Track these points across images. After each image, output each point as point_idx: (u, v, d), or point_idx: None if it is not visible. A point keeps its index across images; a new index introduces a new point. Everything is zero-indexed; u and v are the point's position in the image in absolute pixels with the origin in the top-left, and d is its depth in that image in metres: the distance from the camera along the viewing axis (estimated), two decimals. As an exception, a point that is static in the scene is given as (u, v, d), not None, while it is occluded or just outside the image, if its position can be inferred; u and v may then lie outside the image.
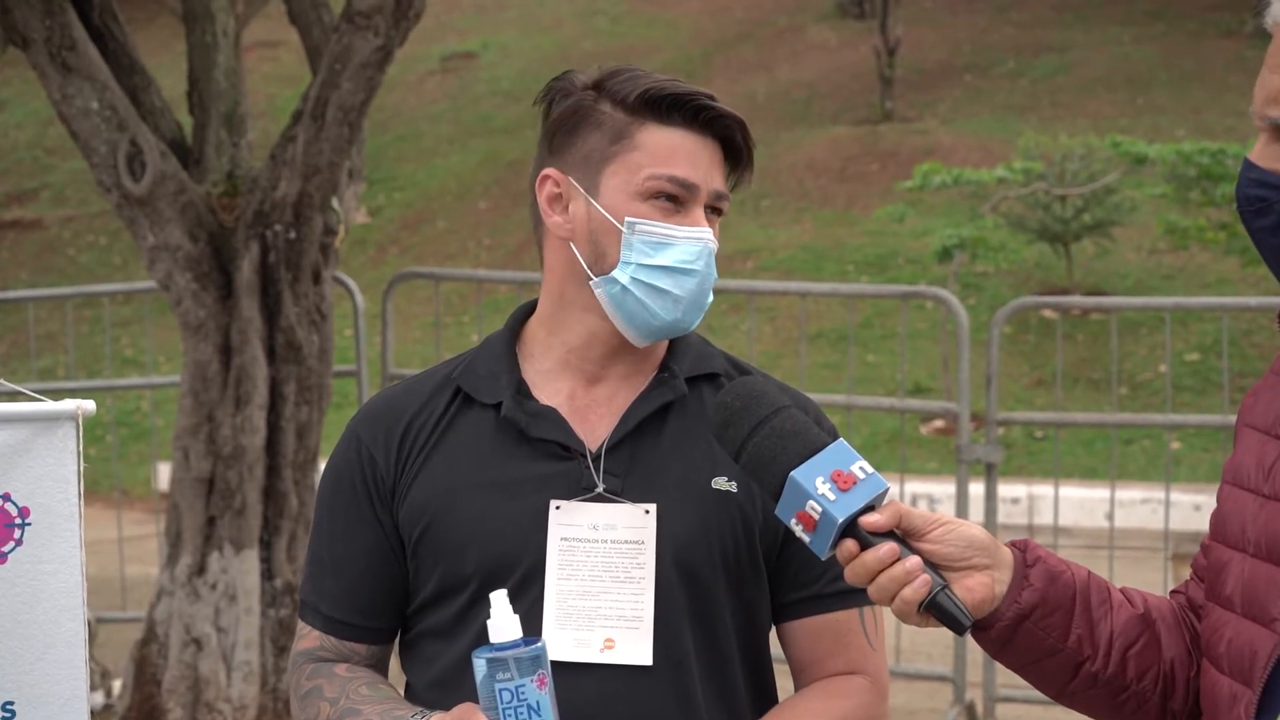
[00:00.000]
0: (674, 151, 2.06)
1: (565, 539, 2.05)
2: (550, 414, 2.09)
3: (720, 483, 2.08)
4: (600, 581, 2.04)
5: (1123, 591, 1.92)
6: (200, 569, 5.74)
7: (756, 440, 1.84)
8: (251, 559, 5.73)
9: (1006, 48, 18.90)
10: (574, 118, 2.09)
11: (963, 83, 18.22)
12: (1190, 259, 13.37)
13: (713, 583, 2.07)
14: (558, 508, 2.05)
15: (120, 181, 5.56)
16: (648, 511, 2.05)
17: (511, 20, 22.33)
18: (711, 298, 2.10)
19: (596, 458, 2.07)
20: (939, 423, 11.06)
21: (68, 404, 2.01)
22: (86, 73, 5.46)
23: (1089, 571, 1.90)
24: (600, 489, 2.06)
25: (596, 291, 2.07)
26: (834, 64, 19.20)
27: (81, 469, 1.96)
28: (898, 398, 7.57)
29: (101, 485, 9.40)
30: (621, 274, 2.05)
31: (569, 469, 2.07)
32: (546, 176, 2.11)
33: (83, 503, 1.97)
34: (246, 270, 5.68)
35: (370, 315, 8.30)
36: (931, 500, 9.10)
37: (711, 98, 2.09)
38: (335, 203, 5.87)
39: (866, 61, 18.07)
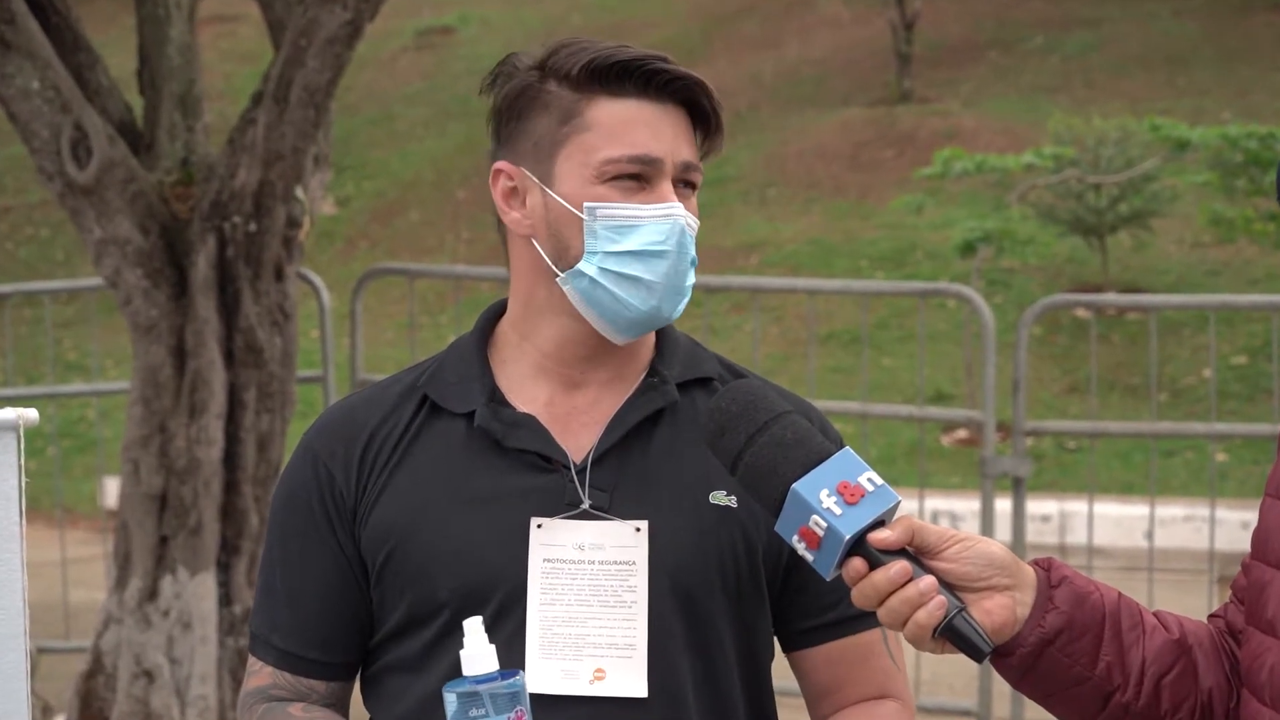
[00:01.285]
0: (630, 124, 2.04)
1: (548, 560, 2.03)
2: (529, 422, 2.08)
3: (718, 497, 2.07)
4: (588, 606, 2.03)
5: (1156, 615, 1.92)
6: (151, 594, 5.74)
7: (755, 449, 1.84)
8: (208, 583, 5.73)
9: (1035, 22, 18.93)
10: (519, 102, 2.08)
11: (987, 60, 18.25)
12: (1237, 253, 13.39)
13: (711, 607, 2.06)
14: (539, 526, 2.04)
15: (63, 169, 5.57)
16: (638, 529, 2.04)
17: (493, -8, 22.33)
18: (693, 279, 2.08)
19: (581, 470, 2.06)
20: (962, 433, 11.08)
21: (8, 413, 2.01)
22: (26, 49, 5.47)
23: (1119, 593, 1.90)
24: (586, 505, 2.05)
25: (565, 288, 2.06)
26: (846, 40, 19.23)
27: (23, 484, 1.96)
28: (916, 406, 7.58)
29: (42, 502, 9.40)
30: (588, 265, 2.04)
31: (551, 482, 2.06)
32: (499, 171, 2.10)
33: (24, 521, 1.97)
34: (202, 266, 5.69)
35: (338, 315, 8.30)
36: (954, 518, 9.11)
37: (665, 59, 2.05)
38: (299, 192, 5.88)
39: (882, 37, 18.10)
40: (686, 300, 2.08)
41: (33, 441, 2.00)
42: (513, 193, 2.10)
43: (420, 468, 2.08)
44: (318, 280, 6.67)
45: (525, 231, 2.09)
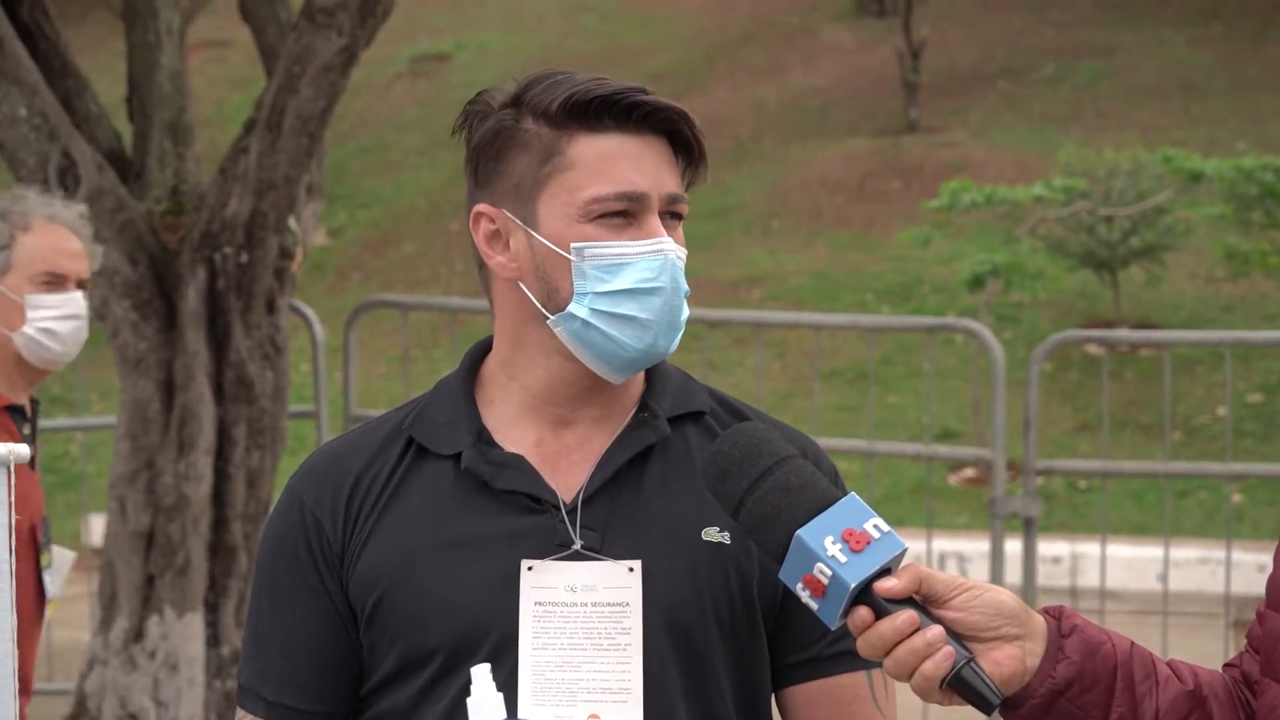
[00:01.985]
0: (613, 160, 2.04)
1: (540, 603, 2.04)
2: (517, 462, 2.08)
3: (711, 534, 2.07)
4: (581, 650, 2.03)
5: (1170, 665, 1.93)
6: (137, 634, 5.74)
7: (758, 495, 1.84)
8: (195, 623, 5.73)
9: (1045, 50, 18.99)
10: (496, 142, 2.08)
11: (996, 89, 18.30)
12: (1252, 288, 13.41)
13: (707, 647, 2.06)
14: (530, 568, 2.04)
15: (51, 198, 5.58)
16: (631, 569, 2.05)
17: (489, 18, 22.42)
18: (686, 314, 2.09)
19: (572, 510, 2.06)
20: (970, 472, 11.07)
21: (-1, 449, 2.02)
22: (14, 75, 5.49)
23: (1132, 642, 1.90)
24: (578, 545, 2.05)
25: (556, 330, 2.07)
26: (851, 68, 19.28)
27: (13, 522, 1.97)
28: (924, 444, 7.59)
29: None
30: (578, 308, 2.04)
31: (541, 523, 2.06)
32: (480, 214, 2.10)
33: (14, 559, 1.98)
34: (192, 298, 5.70)
35: (330, 348, 8.31)
36: (962, 559, 9.11)
37: (645, 91, 2.06)
38: (292, 222, 5.90)
39: (888, 65, 18.15)
40: (680, 334, 2.09)
41: (15, 477, 2.01)
42: (495, 235, 2.10)
43: (408, 512, 2.09)
44: (310, 313, 6.68)
45: (511, 275, 2.09)
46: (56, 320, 3.71)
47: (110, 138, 6.00)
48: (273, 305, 5.88)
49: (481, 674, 1.92)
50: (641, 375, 2.15)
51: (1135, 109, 17.10)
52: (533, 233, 2.06)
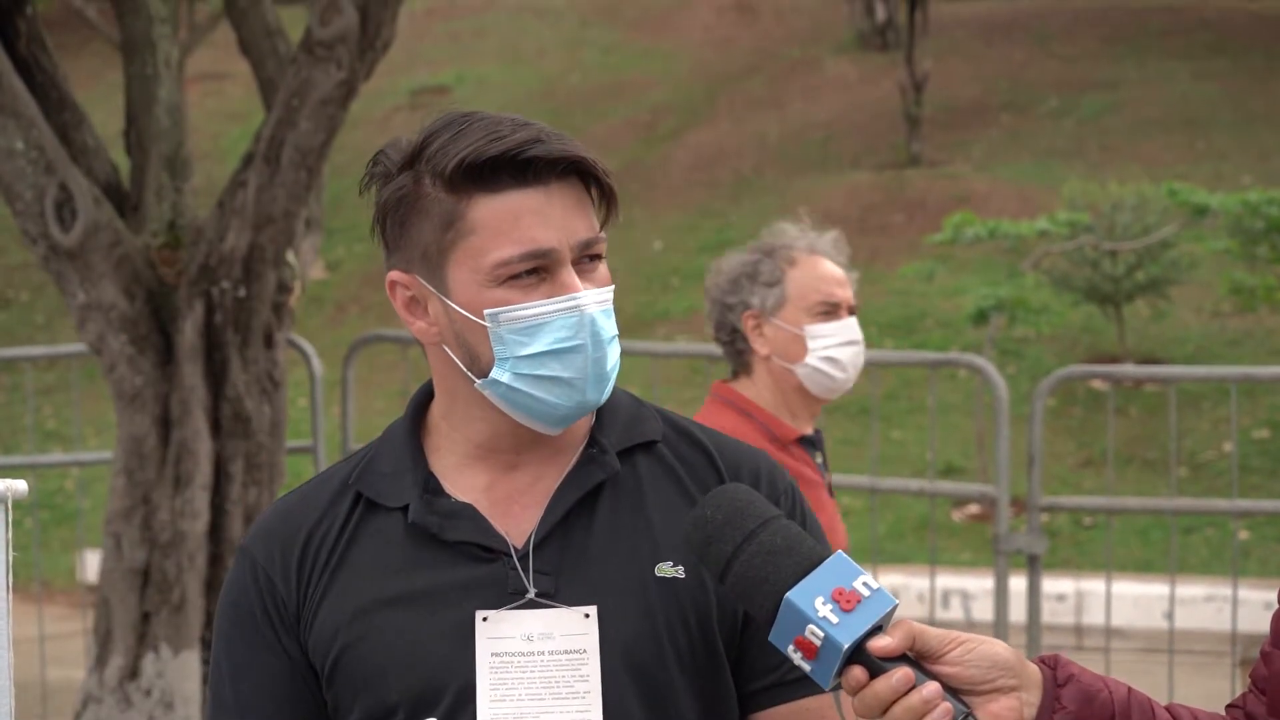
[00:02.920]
0: (515, 219, 2.00)
1: (496, 654, 2.03)
2: (466, 511, 2.07)
3: (665, 569, 2.06)
4: (540, 700, 2.02)
5: (1169, 709, 1.92)
6: (133, 672, 5.73)
7: (743, 558, 1.83)
8: (191, 661, 5.72)
9: (1049, 83, 19.04)
10: (399, 208, 2.04)
11: (999, 123, 18.34)
12: (1258, 322, 13.42)
13: (668, 684, 2.05)
14: (485, 619, 2.03)
15: (48, 231, 5.59)
16: (587, 615, 2.04)
17: (489, 50, 22.49)
18: (616, 358, 2.05)
19: (524, 556, 2.05)
20: (974, 508, 11.07)
21: (-4, 484, 2.01)
22: (11, 108, 5.51)
23: (1129, 688, 1.90)
24: (531, 593, 2.04)
25: (485, 393, 2.05)
26: (853, 101, 19.33)
27: (10, 559, 1.97)
28: (927, 479, 7.58)
29: (19, 576, 9.37)
30: (501, 373, 2.03)
31: (494, 572, 2.05)
32: (394, 282, 2.08)
33: (10, 597, 1.98)
34: (189, 332, 5.71)
35: (328, 383, 8.31)
36: (966, 596, 9.09)
37: (540, 139, 1.99)
38: (290, 256, 5.90)
39: (890, 98, 18.20)
40: (613, 382, 2.06)
41: (11, 513, 2.00)
42: (413, 301, 2.08)
43: (360, 568, 2.08)
44: (308, 347, 6.68)
45: (434, 340, 2.08)
46: (838, 348, 3.80)
47: (107, 171, 6.01)
48: (270, 339, 5.88)
49: None
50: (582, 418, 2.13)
51: (1140, 143, 17.13)
52: (446, 300, 2.04)
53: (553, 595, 2.04)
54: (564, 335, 2.01)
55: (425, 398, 2.17)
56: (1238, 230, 12.21)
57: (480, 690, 2.02)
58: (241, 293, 5.74)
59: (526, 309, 2.00)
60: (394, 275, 2.08)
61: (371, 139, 19.76)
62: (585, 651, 2.03)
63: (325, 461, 6.73)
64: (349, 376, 6.81)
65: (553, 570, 2.05)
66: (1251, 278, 12.38)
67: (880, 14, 20.96)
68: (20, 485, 1.96)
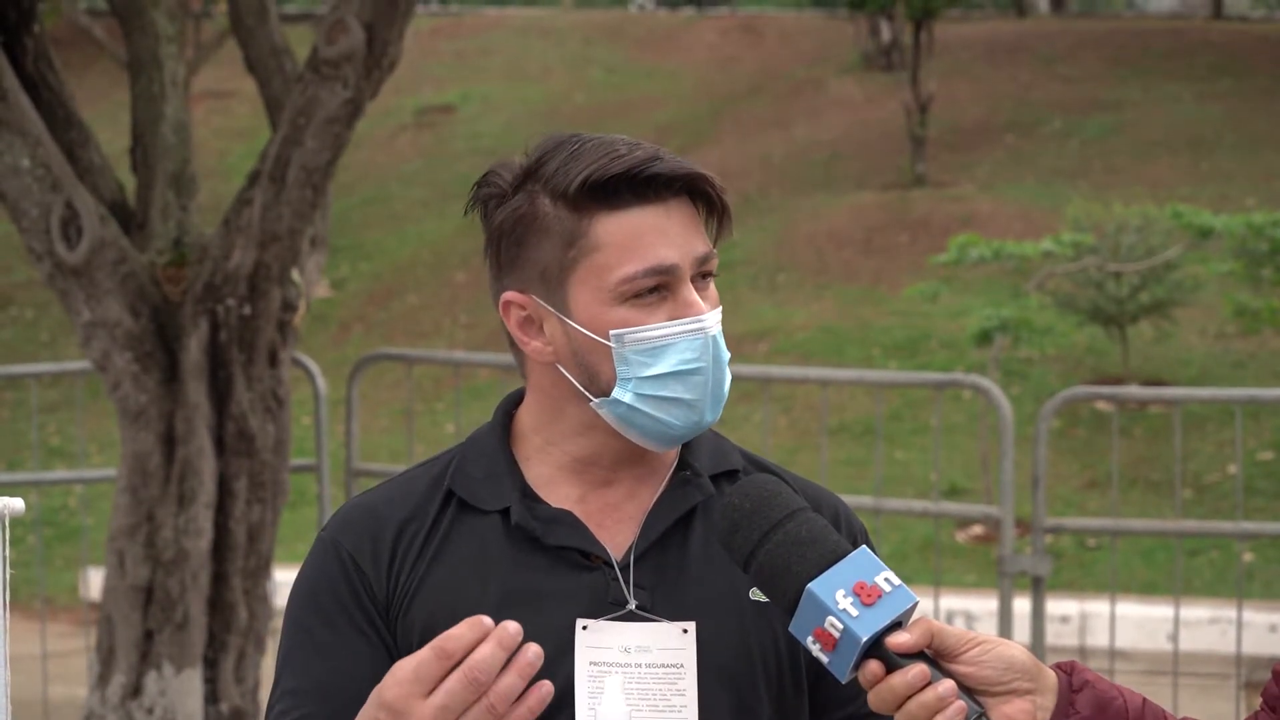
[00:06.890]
0: (639, 236, 2.02)
1: (594, 663, 2.03)
2: (566, 518, 2.08)
3: (758, 594, 2.07)
4: (638, 711, 2.03)
5: (1183, 724, 1.92)
6: (135, 691, 5.72)
7: (768, 547, 1.85)
8: (194, 680, 5.71)
9: (1053, 105, 19.05)
10: (517, 228, 2.06)
11: (1004, 144, 18.35)
12: (1262, 344, 13.41)
13: (757, 707, 2.07)
14: (585, 627, 2.04)
15: (53, 248, 5.59)
16: (686, 631, 2.05)
17: (494, 70, 22.53)
18: (729, 381, 2.09)
19: (624, 568, 2.07)
20: (978, 529, 11.05)
21: (-5, 501, 2.01)
22: (18, 126, 5.51)
23: (1144, 699, 1.90)
24: (632, 605, 2.05)
25: (600, 412, 2.06)
26: (858, 121, 19.35)
27: (7, 576, 1.96)
28: (931, 500, 7.57)
29: (21, 593, 9.37)
30: (623, 393, 2.04)
31: (593, 581, 2.06)
32: (509, 302, 2.09)
33: (8, 615, 1.97)
34: (194, 350, 5.70)
35: (333, 402, 8.31)
36: (970, 617, 9.08)
37: (660, 156, 2.03)
38: (295, 274, 5.90)
39: (895, 119, 18.21)
40: (725, 401, 2.09)
41: (13, 529, 2.00)
42: (528, 321, 2.08)
43: (457, 565, 2.08)
44: (313, 365, 6.68)
45: (549, 359, 2.08)
46: None
47: (113, 189, 6.01)
48: (275, 358, 5.88)
49: None
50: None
51: (1144, 164, 17.14)
52: (567, 320, 2.05)
53: (650, 609, 2.06)
54: (689, 357, 2.03)
55: (512, 406, 2.17)
56: (1242, 252, 12.20)
57: (579, 697, 2.02)
58: (246, 311, 5.74)
59: (652, 330, 2.02)
60: (509, 295, 2.08)
61: (375, 157, 19.78)
62: (683, 666, 2.04)
63: (329, 479, 6.73)
64: (353, 395, 6.81)
65: (650, 585, 2.07)
66: (1256, 300, 12.37)
67: (885, 34, 20.99)
68: (17, 504, 1.96)
